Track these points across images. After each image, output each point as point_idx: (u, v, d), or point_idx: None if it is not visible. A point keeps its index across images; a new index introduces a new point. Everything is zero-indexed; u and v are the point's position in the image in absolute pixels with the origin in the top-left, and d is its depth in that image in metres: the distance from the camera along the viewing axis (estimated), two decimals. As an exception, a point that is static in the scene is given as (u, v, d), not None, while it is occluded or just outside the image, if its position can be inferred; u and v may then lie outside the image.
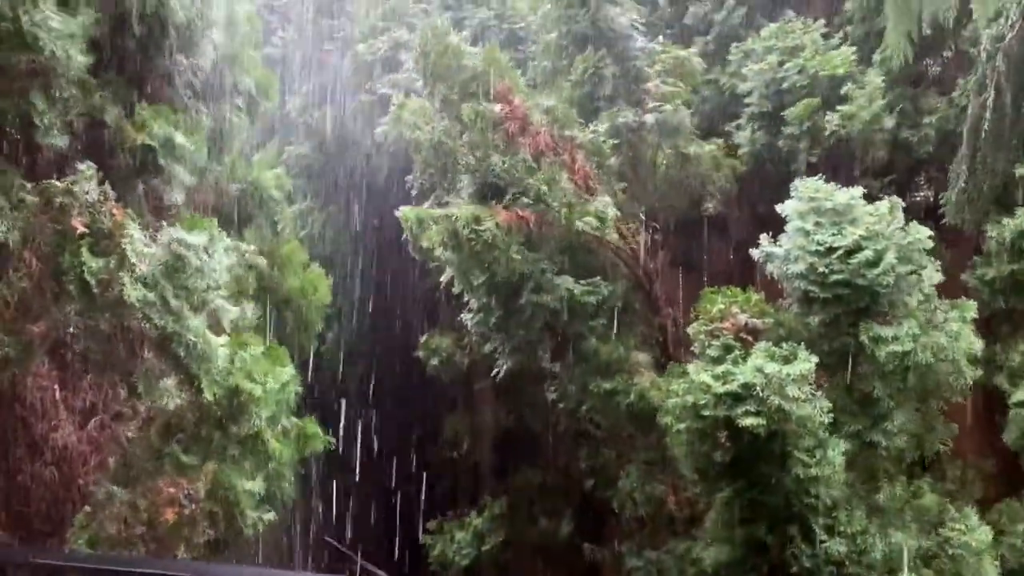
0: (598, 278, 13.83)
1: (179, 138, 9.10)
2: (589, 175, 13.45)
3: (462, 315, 14.90)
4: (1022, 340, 11.88)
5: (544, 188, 13.00)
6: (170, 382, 8.25)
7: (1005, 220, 11.79)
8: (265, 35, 17.58)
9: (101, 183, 8.31)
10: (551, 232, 13.45)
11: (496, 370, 14.73)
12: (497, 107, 13.00)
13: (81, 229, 8.12)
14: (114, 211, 8.39)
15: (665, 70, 14.48)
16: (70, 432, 9.20)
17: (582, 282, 13.66)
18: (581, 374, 13.77)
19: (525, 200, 13.23)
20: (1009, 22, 11.66)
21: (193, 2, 9.83)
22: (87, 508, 8.61)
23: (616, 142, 14.07)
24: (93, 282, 7.90)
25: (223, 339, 8.43)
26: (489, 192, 13.64)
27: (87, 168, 8.29)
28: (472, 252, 13.04)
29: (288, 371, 9.29)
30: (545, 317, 13.72)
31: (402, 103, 15.16)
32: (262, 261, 10.40)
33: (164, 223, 8.73)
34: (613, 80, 14.49)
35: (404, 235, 16.59)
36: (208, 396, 8.29)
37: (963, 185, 12.12)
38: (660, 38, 15.42)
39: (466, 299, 14.72)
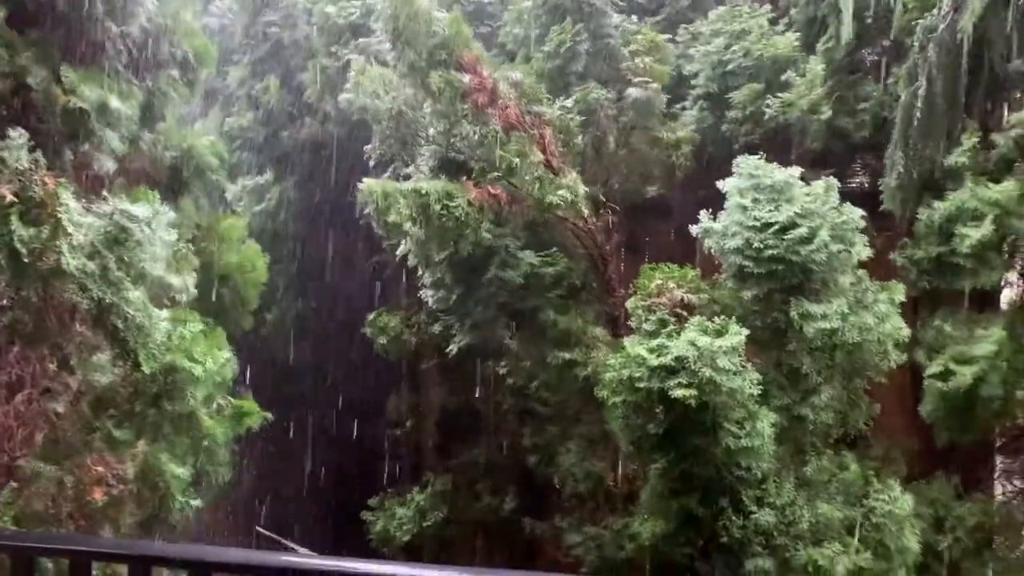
0: (555, 249, 13.89)
1: (113, 102, 8.88)
2: (554, 153, 13.42)
3: (421, 292, 14.78)
4: (940, 318, 12.20)
5: (516, 161, 12.89)
6: (104, 356, 8.08)
7: (936, 204, 12.04)
8: (204, 3, 17.18)
9: (32, 150, 8.09)
10: (519, 209, 13.41)
11: (450, 347, 14.70)
12: (466, 77, 12.82)
13: (10, 197, 7.90)
14: (46, 179, 8.17)
15: (640, 51, 14.45)
16: (-5, 407, 8.97)
17: (541, 254, 13.74)
18: (537, 347, 13.84)
19: (494, 174, 13.16)
20: (942, 13, 11.91)
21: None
22: (13, 484, 8.42)
23: (584, 119, 13.98)
24: (24, 251, 7.70)
25: (164, 312, 8.28)
26: (452, 166, 13.54)
27: (17, 135, 8.05)
28: (441, 228, 12.96)
29: (225, 353, 9.18)
30: (506, 293, 13.73)
31: (362, 68, 14.83)
32: (199, 233, 10.21)
33: (104, 192, 8.54)
34: (587, 56, 14.43)
35: (354, 211, 16.46)
36: (146, 370, 8.15)
37: (899, 171, 12.37)
38: (633, 18, 15.37)
39: (419, 275, 14.59)
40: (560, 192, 12.97)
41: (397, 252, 14.40)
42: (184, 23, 10.80)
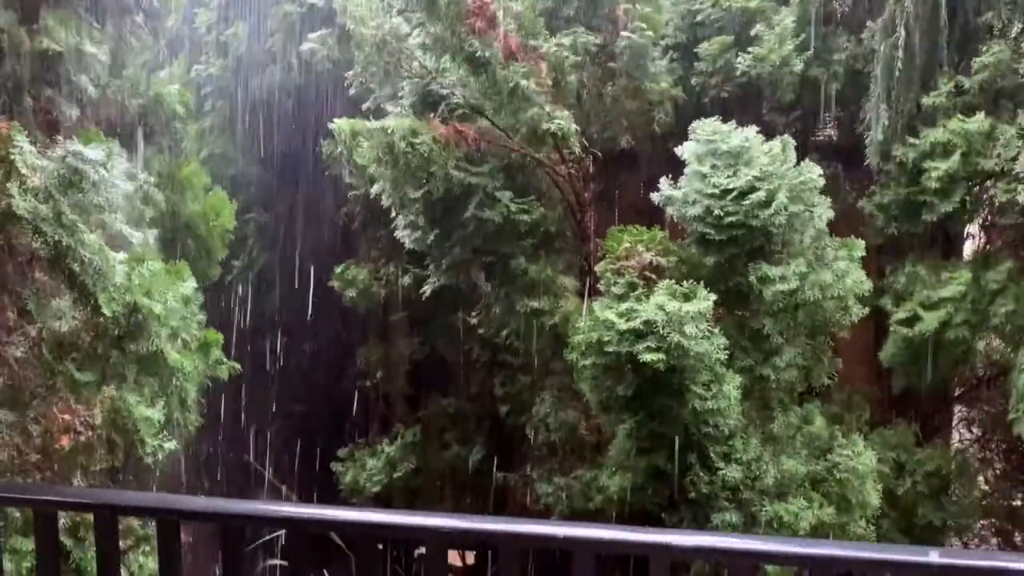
0: (532, 197, 13.79)
1: (88, 47, 8.64)
2: (547, 90, 13.22)
3: (396, 233, 14.55)
4: (910, 262, 12.33)
5: (523, 83, 12.62)
6: (63, 302, 7.96)
7: (911, 140, 12.08)
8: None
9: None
10: (498, 145, 13.22)
11: (424, 289, 14.61)
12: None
13: (-39, 142, 7.69)
14: (-1, 123, 7.96)
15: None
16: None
17: (517, 200, 13.60)
18: (507, 295, 13.81)
19: (474, 111, 12.91)
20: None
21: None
22: (-27, 432, 8.33)
23: (578, 59, 13.81)
24: (-24, 197, 7.52)
25: (122, 255, 8.16)
26: (432, 100, 13.33)
27: (-33, 78, 7.82)
28: (408, 167, 12.78)
29: (190, 285, 9.06)
30: (482, 235, 13.64)
31: None
32: (161, 181, 10.03)
33: (59, 137, 8.32)
34: (578, 1, 14.21)
35: (322, 160, 16.25)
36: (107, 312, 8.04)
37: (885, 124, 12.40)
38: None
39: (393, 216, 14.41)
40: (557, 121, 12.80)
41: (371, 191, 14.19)
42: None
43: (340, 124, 13.27)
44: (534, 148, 13.35)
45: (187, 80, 17.02)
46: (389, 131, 12.58)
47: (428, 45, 13.10)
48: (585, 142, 14.07)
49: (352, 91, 14.95)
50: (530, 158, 13.47)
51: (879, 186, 12.68)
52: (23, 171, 7.43)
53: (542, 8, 14.25)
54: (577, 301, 13.34)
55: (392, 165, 12.85)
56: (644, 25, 14.01)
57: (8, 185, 7.41)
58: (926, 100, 12.07)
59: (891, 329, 12.10)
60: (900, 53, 12.01)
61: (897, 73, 12.13)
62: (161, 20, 11.54)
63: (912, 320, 11.77)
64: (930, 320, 11.52)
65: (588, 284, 13.90)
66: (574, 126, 13.03)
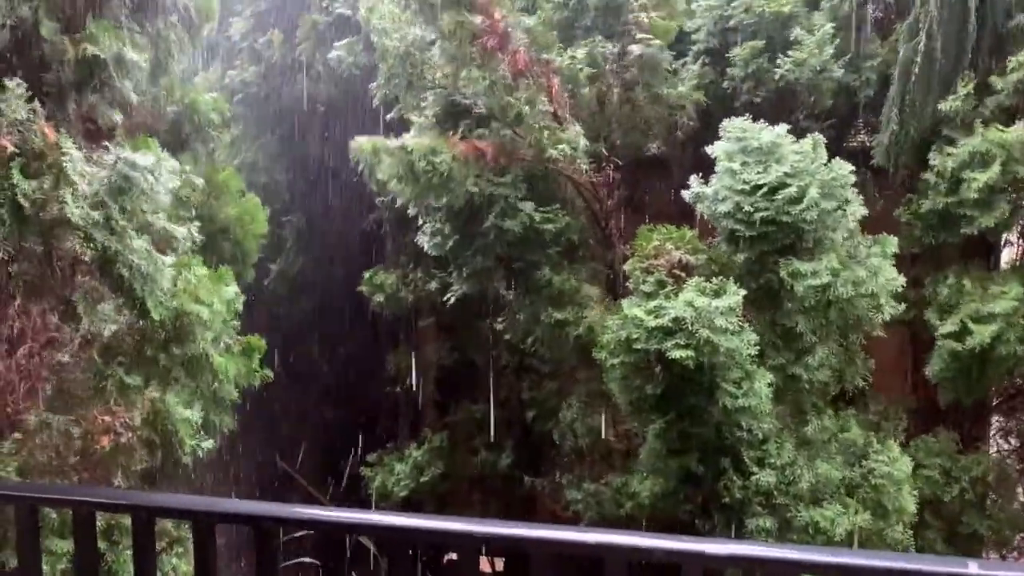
0: (556, 206, 13.83)
1: (129, 53, 8.77)
2: (561, 103, 13.30)
3: (418, 239, 14.70)
4: (953, 273, 12.18)
5: (525, 109, 12.77)
6: (109, 305, 8.09)
7: (949, 149, 11.92)
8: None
9: (30, 100, 8.01)
10: (517, 158, 13.30)
11: (448, 296, 14.67)
12: (479, 19, 12.62)
13: (11, 148, 7.84)
14: (46, 130, 8.11)
15: (647, 5, 14.28)
16: (-4, 360, 8.99)
17: (541, 209, 13.65)
18: (532, 304, 13.85)
19: (496, 124, 13.05)
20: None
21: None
22: (16, 435, 8.47)
23: (593, 71, 13.86)
24: (26, 204, 7.66)
25: (170, 259, 8.28)
26: (457, 110, 13.44)
27: (15, 84, 7.97)
28: (427, 183, 12.90)
29: (232, 288, 9.19)
30: (505, 243, 13.70)
31: (372, 6, 14.59)
32: (200, 184, 10.16)
33: (106, 144, 8.47)
34: (595, 11, 14.27)
35: (351, 166, 16.40)
36: (155, 316, 8.14)
37: (894, 128, 12.32)
38: None
39: (419, 225, 14.55)
40: (560, 146, 12.88)
41: (397, 201, 14.32)
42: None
43: (361, 142, 13.41)
44: (553, 159, 13.38)
45: (221, 86, 17.22)
46: (408, 150, 12.74)
47: (442, 63, 13.26)
48: (604, 151, 14.11)
49: (377, 100, 15.07)
50: (552, 168, 13.49)
51: (916, 194, 12.54)
52: (73, 178, 7.56)
53: (559, 19, 14.34)
54: (602, 310, 13.35)
55: (413, 183, 12.99)
56: (651, 36, 14.01)
57: (60, 192, 7.54)
58: (943, 105, 11.95)
59: (937, 343, 11.86)
60: (918, 58, 11.92)
61: (913, 77, 12.02)
62: (196, 27, 11.70)
63: (961, 334, 11.55)
64: (982, 334, 11.30)
65: (614, 290, 13.92)
66: (583, 142, 13.06)
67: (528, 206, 13.51)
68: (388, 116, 15.08)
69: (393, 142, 13.19)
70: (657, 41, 13.95)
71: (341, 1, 16.87)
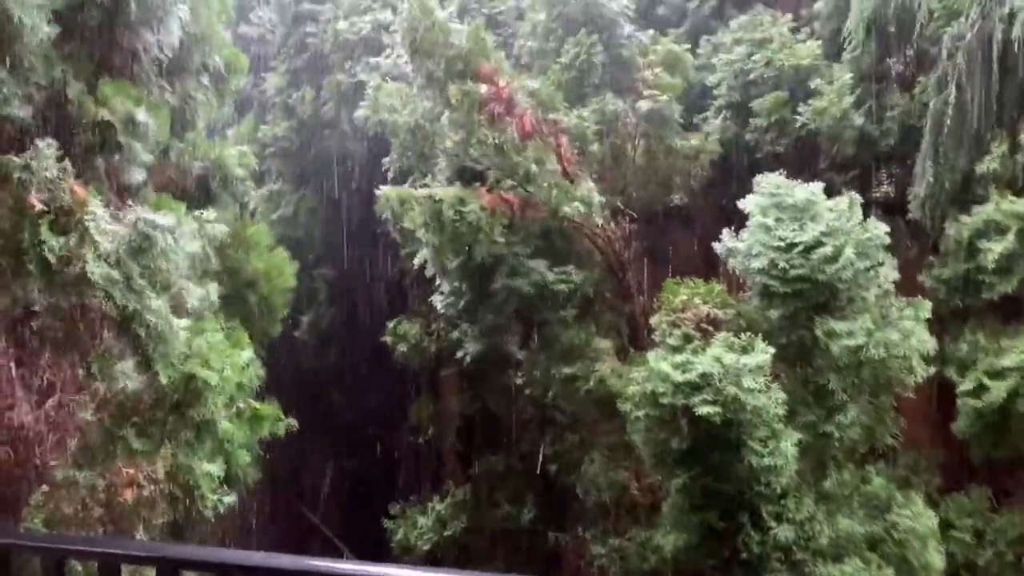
0: (571, 266, 13.88)
1: (140, 115, 8.95)
2: (571, 160, 13.46)
3: (432, 298, 14.83)
4: (970, 330, 12.09)
5: (533, 168, 12.96)
6: (128, 364, 8.16)
7: (963, 218, 11.95)
8: (243, 13, 17.42)
9: (60, 159, 8.22)
10: (535, 215, 13.46)
11: (463, 354, 14.72)
12: (483, 87, 12.96)
13: (40, 206, 8.02)
14: (75, 188, 8.30)
15: (657, 61, 14.51)
16: (27, 411, 9.08)
17: (555, 270, 13.69)
18: (545, 360, 13.85)
19: (510, 182, 13.22)
20: (969, 21, 11.85)
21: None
22: (44, 488, 8.53)
23: (599, 128, 14.05)
24: (53, 260, 7.81)
25: (184, 322, 8.36)
26: (468, 175, 13.64)
27: (46, 145, 8.18)
28: (455, 233, 13.06)
29: (247, 354, 9.23)
30: (517, 302, 13.75)
31: (378, 86, 15.09)
32: (226, 240, 10.29)
33: (130, 202, 8.64)
34: (602, 68, 14.50)
35: (376, 219, 16.71)
36: (163, 379, 8.22)
37: (929, 181, 12.29)
38: (651, 32, 15.43)
39: (437, 284, 14.70)
40: (574, 203, 13.02)
41: (415, 261, 14.48)
42: (216, 34, 10.95)
43: (386, 192, 13.69)
44: (576, 219, 13.48)
45: (254, 139, 17.60)
46: (437, 199, 12.92)
47: (451, 132, 13.56)
48: (620, 204, 14.20)
49: (392, 173, 15.38)
50: (568, 222, 13.59)
51: (939, 257, 12.50)
52: (96, 237, 7.70)
53: (567, 79, 14.58)
54: (614, 362, 13.32)
55: (439, 231, 13.15)
56: (658, 92, 14.26)
57: (83, 250, 7.68)
58: (980, 167, 11.95)
59: (959, 401, 11.78)
60: (950, 110, 11.92)
61: (946, 130, 12.03)
62: (225, 82, 11.96)
63: (979, 390, 11.50)
64: (997, 390, 11.26)
65: (635, 341, 13.87)
66: (597, 198, 13.18)
67: (540, 264, 13.61)
68: (410, 180, 15.37)
69: (420, 192, 13.42)
70: (664, 96, 14.14)
71: (362, 65, 17.29)
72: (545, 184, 13.03)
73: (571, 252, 14.06)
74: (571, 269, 13.80)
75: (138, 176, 9.19)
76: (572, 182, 13.25)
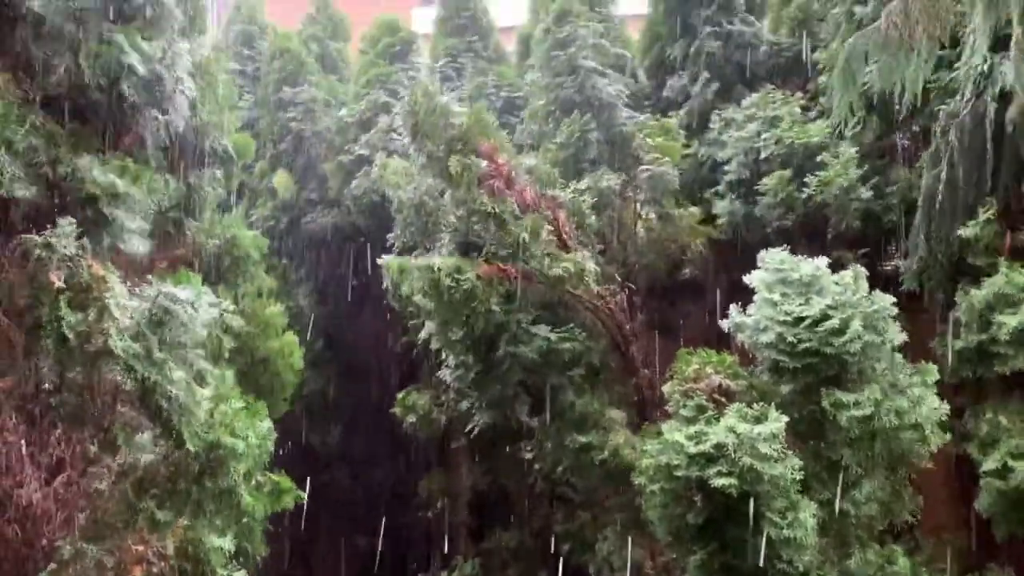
0: (572, 325, 13.89)
1: (121, 185, 9.05)
2: (569, 233, 13.62)
3: (441, 371, 14.85)
4: (990, 408, 11.99)
5: (525, 236, 13.13)
6: (146, 436, 8.17)
7: (972, 291, 11.98)
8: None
9: (79, 237, 8.36)
10: (531, 285, 13.56)
11: (472, 426, 14.62)
12: (483, 163, 13.30)
13: (58, 284, 8.15)
14: (92, 264, 8.42)
15: (653, 133, 14.83)
16: (35, 489, 9.03)
17: (558, 330, 13.73)
18: (557, 430, 13.75)
19: (504, 252, 13.37)
20: (963, 99, 12.08)
21: (169, 67, 10.01)
22: (52, 565, 8.43)
23: (596, 200, 14.28)
24: (71, 336, 7.90)
25: (207, 391, 8.41)
26: (469, 250, 13.80)
27: (67, 223, 8.35)
28: (452, 301, 13.14)
29: (266, 424, 9.26)
30: (522, 371, 13.72)
31: (384, 163, 15.51)
32: (239, 322, 10.38)
33: (149, 277, 8.76)
34: (598, 145, 14.80)
35: (382, 292, 16.82)
36: (191, 448, 8.23)
37: (921, 255, 12.42)
38: (648, 115, 15.84)
39: (444, 356, 14.69)
40: (564, 264, 13.12)
41: (421, 334, 14.53)
42: (223, 119, 11.28)
43: (389, 261, 13.99)
44: (570, 286, 13.58)
45: (248, 222, 17.90)
46: (435, 268, 13.09)
47: (453, 207, 13.85)
48: (619, 276, 14.30)
49: (397, 248, 15.63)
50: (567, 294, 13.69)
51: (946, 326, 12.51)
52: (115, 312, 7.81)
53: (564, 157, 14.92)
54: (626, 433, 13.23)
55: (437, 300, 13.29)
56: (668, 159, 14.62)
57: (105, 325, 7.77)
58: (964, 231, 12.09)
59: (983, 480, 11.62)
60: (941, 185, 12.14)
61: (938, 204, 12.20)
62: (235, 165, 12.39)
63: (1003, 471, 11.32)
64: (1022, 472, 11.08)
65: (642, 414, 13.79)
66: (591, 265, 13.33)
67: (543, 329, 13.64)
68: (415, 255, 15.53)
69: (419, 261, 13.66)
70: (667, 159, 14.39)
71: (362, 142, 17.86)
72: (538, 252, 13.21)
73: (575, 323, 14.08)
74: (575, 329, 13.80)
75: (141, 249, 9.28)
76: (567, 252, 13.36)
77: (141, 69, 9.58)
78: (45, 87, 9.08)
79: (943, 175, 12.10)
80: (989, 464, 11.49)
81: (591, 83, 14.97)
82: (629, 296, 14.47)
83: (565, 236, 13.52)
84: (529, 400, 14.19)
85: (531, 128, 16.11)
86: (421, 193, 14.09)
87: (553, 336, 13.57)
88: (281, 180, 18.77)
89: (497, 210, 13.11)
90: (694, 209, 14.73)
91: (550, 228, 13.43)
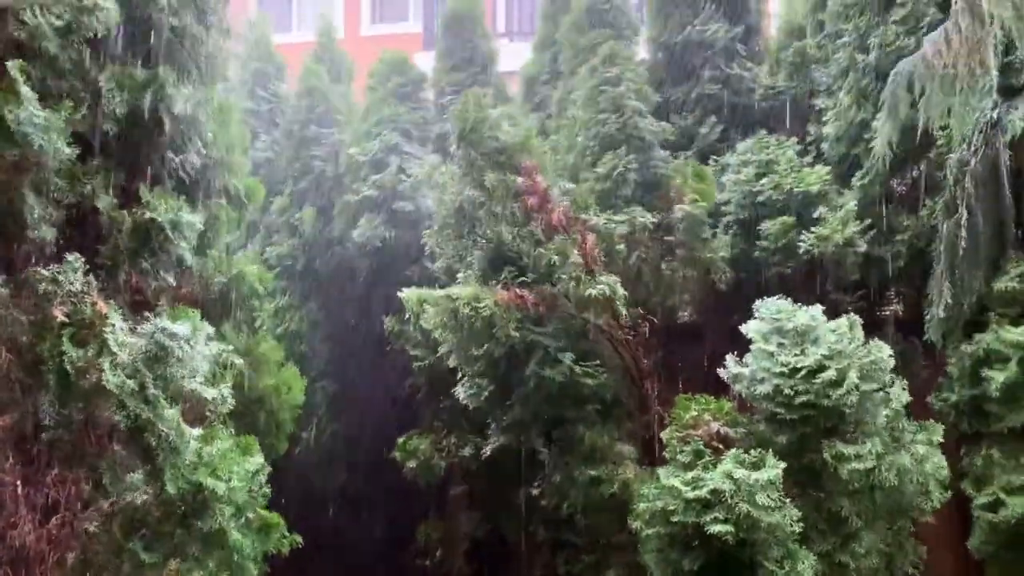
0: (597, 362, 13.81)
1: (185, 216, 9.26)
2: (596, 260, 13.66)
3: (455, 390, 14.61)
4: (987, 448, 11.89)
5: (555, 259, 13.23)
6: (137, 476, 8.14)
7: (964, 347, 12.00)
8: (251, 138, 18.09)
9: (87, 273, 8.43)
10: (553, 310, 13.59)
11: (485, 450, 14.53)
12: (520, 179, 13.46)
13: (61, 318, 8.20)
14: (96, 301, 8.48)
15: (690, 174, 14.98)
16: (29, 531, 8.97)
17: (582, 364, 13.64)
18: (567, 464, 13.61)
19: (531, 275, 13.50)
20: (972, 148, 12.13)
21: (187, 108, 10.18)
22: (43, 606, 8.35)
23: (629, 232, 14.29)
24: (72, 372, 7.92)
25: (196, 431, 8.39)
26: (499, 263, 13.93)
27: (75, 259, 8.43)
28: (472, 329, 13.25)
29: (257, 460, 9.20)
30: (543, 396, 13.63)
31: (429, 172, 15.88)
32: (238, 360, 10.38)
33: (147, 314, 8.80)
34: (635, 184, 14.88)
35: (385, 334, 16.82)
36: (171, 490, 8.19)
37: (947, 302, 12.31)
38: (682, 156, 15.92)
39: (460, 375, 14.57)
40: (599, 287, 13.12)
41: (440, 351, 14.45)
42: (236, 160, 11.44)
43: (408, 293, 14.03)
44: (592, 313, 13.58)
45: (261, 260, 17.95)
46: (454, 298, 13.22)
47: (488, 219, 13.90)
48: (641, 311, 14.27)
49: (428, 247, 15.71)
50: (590, 323, 13.67)
51: (946, 381, 12.48)
52: (114, 349, 7.84)
53: (600, 189, 14.92)
54: (636, 469, 13.11)
55: (456, 330, 13.41)
56: (699, 198, 14.63)
57: (100, 361, 7.80)
58: (998, 285, 11.97)
59: (974, 515, 11.56)
60: (963, 232, 12.06)
61: (961, 252, 12.13)
62: (245, 207, 12.52)
63: (995, 505, 11.29)
64: (1015, 506, 11.01)
65: (650, 454, 13.67)
66: (621, 290, 13.29)
67: (568, 356, 13.55)
68: (435, 264, 15.77)
69: (438, 292, 13.79)
70: (703, 203, 14.47)
71: (369, 183, 17.89)
72: (565, 276, 13.27)
73: (594, 354, 13.98)
74: (599, 367, 13.73)
75: (169, 280, 9.39)
76: (593, 277, 13.38)
77: (179, 108, 9.78)
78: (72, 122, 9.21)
79: (963, 222, 11.95)
80: (981, 499, 11.44)
81: (633, 121, 15.12)
82: (647, 332, 14.42)
83: (592, 263, 13.52)
84: (542, 429, 14.10)
85: (568, 159, 16.18)
86: (463, 199, 14.17)
87: (577, 368, 13.51)
88: (308, 216, 18.77)
89: (528, 230, 13.35)
90: (724, 253, 14.68)
91: (578, 252, 13.46)
